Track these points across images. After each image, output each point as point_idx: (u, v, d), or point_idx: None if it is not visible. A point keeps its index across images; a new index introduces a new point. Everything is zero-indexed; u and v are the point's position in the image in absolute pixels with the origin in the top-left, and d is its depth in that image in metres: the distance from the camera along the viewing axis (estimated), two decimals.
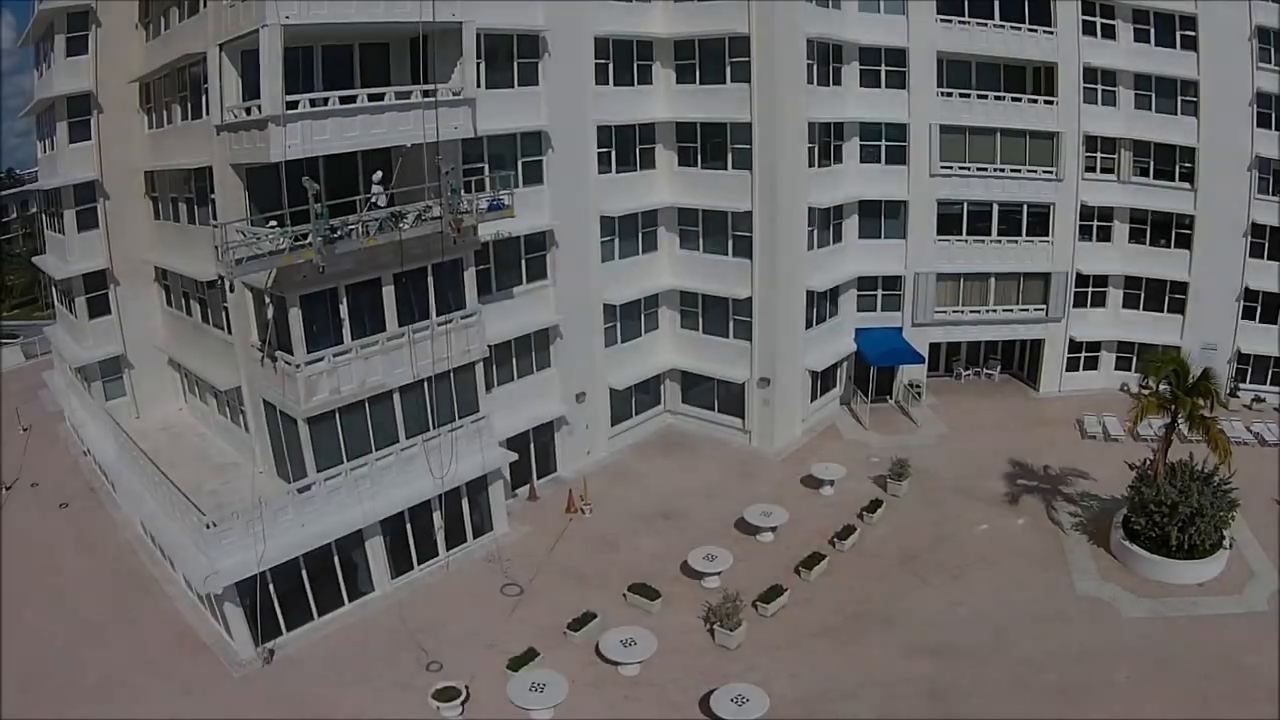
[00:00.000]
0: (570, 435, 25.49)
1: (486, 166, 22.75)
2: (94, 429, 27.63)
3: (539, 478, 25.17)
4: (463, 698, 17.39)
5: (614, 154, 25.42)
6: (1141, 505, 20.10)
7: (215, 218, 21.33)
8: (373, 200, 20.36)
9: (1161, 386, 20.99)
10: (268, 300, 20.18)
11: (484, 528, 23.31)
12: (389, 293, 20.69)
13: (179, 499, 20.55)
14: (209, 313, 23.43)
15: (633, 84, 25.75)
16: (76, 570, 23.99)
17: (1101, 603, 19.78)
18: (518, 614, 20.33)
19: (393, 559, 21.63)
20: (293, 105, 18.57)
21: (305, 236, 18.81)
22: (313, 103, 19.01)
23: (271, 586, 19.48)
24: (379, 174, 20.50)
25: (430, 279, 21.24)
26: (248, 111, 19.31)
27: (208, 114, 20.87)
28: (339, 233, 19.20)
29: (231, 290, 20.16)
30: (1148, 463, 20.82)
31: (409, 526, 21.79)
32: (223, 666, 19.39)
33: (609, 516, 24.03)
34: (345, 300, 20.13)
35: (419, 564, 22.18)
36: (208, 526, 19.03)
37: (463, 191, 21.05)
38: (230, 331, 22.18)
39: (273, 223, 19.50)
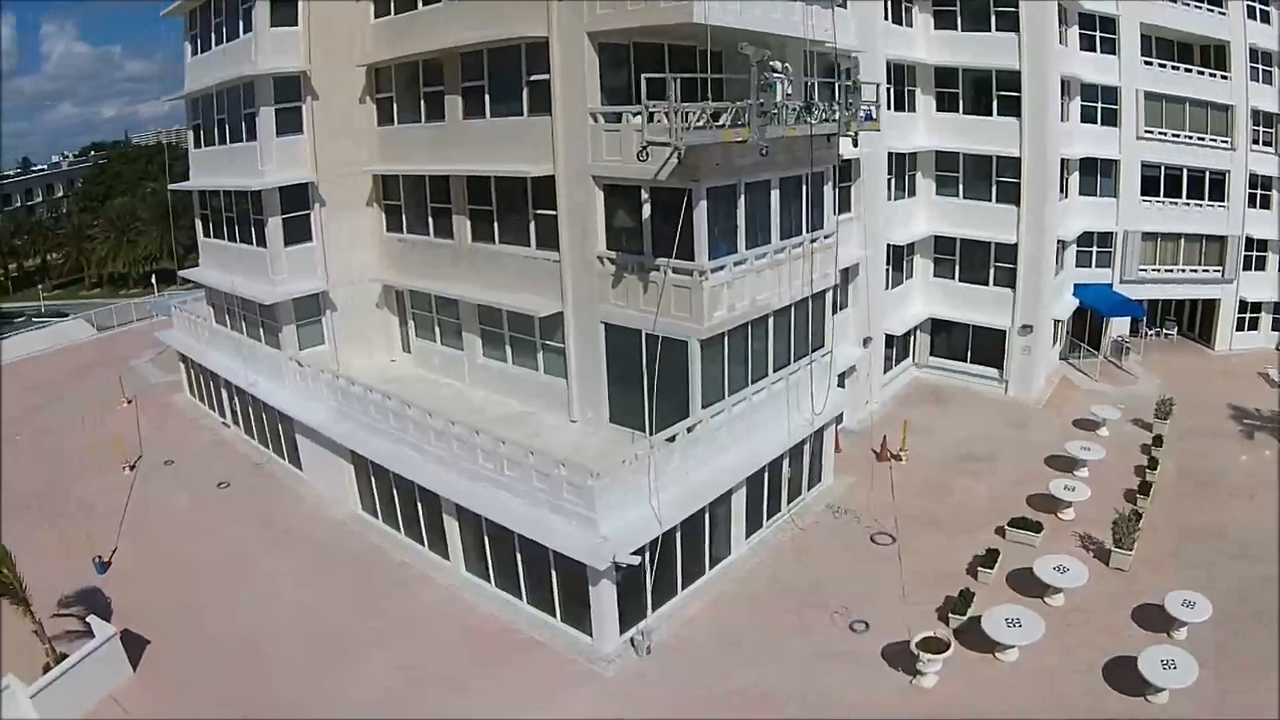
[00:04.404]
0: (856, 383, 21.24)
1: (816, 82, 18.55)
2: (275, 388, 20.29)
3: None
4: (950, 648, 13.02)
5: (891, 91, 21.81)
6: None
7: (533, 106, 15.91)
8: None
9: None
10: (645, 196, 14.94)
11: (814, 479, 18.65)
12: (775, 199, 16.00)
13: (513, 453, 14.53)
14: (495, 229, 17.38)
15: (901, 24, 22.39)
16: (289, 561, 17.27)
17: None
18: (906, 562, 15.93)
19: (748, 516, 16.73)
20: None
21: (714, 117, 13.79)
22: None
23: (647, 555, 14.03)
24: (780, 63, 15.78)
25: (805, 189, 16.69)
26: None
27: None
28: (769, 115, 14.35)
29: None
30: None
31: (765, 477, 16.97)
32: (580, 664, 13.79)
33: (919, 463, 19.84)
34: (743, 201, 15.31)
35: (767, 520, 17.37)
36: (592, 477, 13.45)
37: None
38: (547, 246, 16.39)
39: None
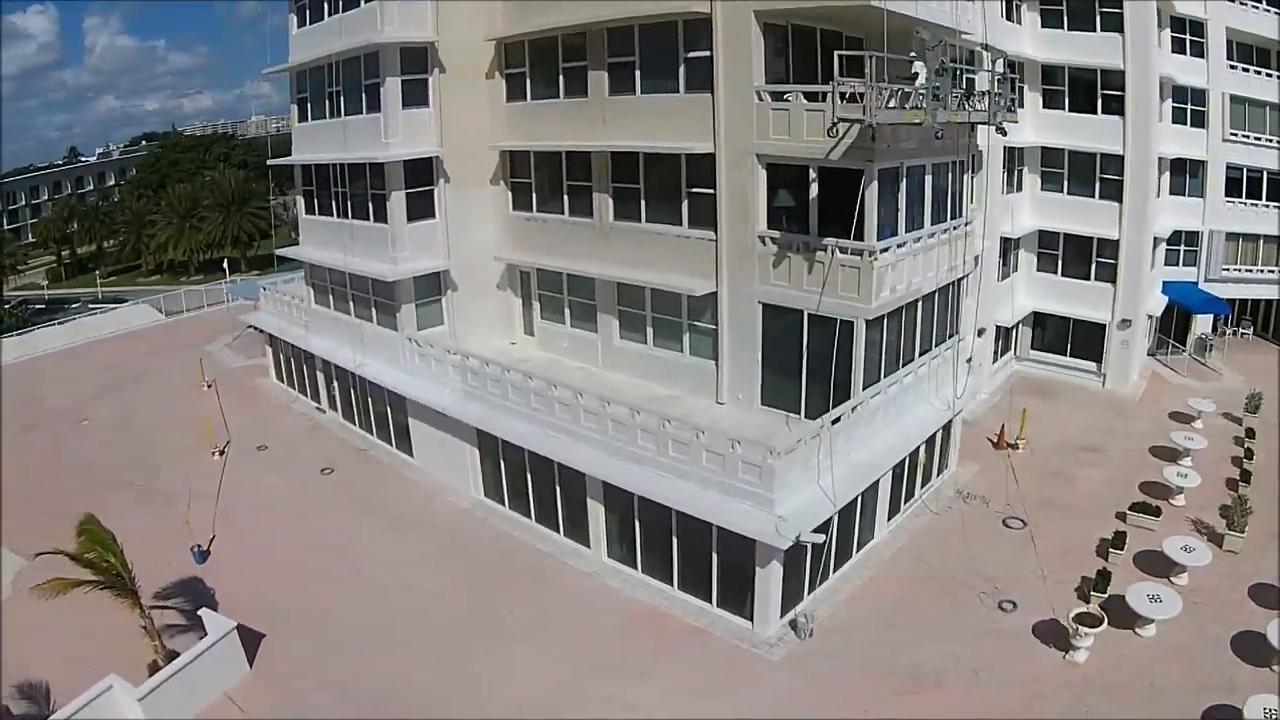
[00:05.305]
0: (968, 373, 21.22)
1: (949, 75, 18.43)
2: (387, 369, 19.90)
3: None
4: (1104, 623, 13.19)
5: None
6: None
7: (690, 83, 15.71)
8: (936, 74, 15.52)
9: None
10: (813, 176, 14.82)
11: (942, 465, 18.52)
12: (929, 184, 15.92)
13: (679, 432, 14.22)
14: (641, 207, 17.01)
15: (1011, 20, 22.42)
16: (409, 549, 16.92)
17: None
18: (1040, 545, 15.93)
19: (891, 499, 16.64)
20: None
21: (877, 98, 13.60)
22: None
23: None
24: (930, 37, 15.71)
25: (952, 176, 16.66)
26: None
27: None
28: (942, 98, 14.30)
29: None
30: None
31: (907, 461, 16.86)
32: (744, 649, 13.71)
33: (1035, 451, 19.89)
34: (904, 184, 15.22)
35: (904, 504, 17.29)
36: (771, 455, 13.22)
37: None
38: (701, 225, 16.13)
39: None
